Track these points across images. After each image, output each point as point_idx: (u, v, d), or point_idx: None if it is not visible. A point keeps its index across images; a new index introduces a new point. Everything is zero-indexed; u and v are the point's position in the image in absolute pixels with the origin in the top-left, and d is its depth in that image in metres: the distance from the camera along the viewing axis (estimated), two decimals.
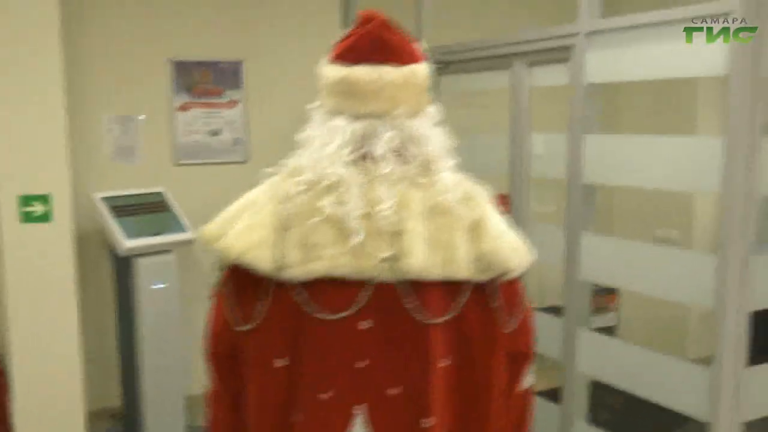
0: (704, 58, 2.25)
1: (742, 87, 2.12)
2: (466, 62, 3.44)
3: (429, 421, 1.37)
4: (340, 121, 1.42)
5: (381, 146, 1.39)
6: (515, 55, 3.06)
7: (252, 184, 1.48)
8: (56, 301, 3.28)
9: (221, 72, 4.28)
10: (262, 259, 1.34)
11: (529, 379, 1.55)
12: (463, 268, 1.35)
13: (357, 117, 1.41)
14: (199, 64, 4.23)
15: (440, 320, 1.36)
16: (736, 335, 2.19)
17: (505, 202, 3.20)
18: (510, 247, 1.40)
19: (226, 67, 4.29)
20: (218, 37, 4.25)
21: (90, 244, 3.77)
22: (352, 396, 1.37)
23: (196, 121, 4.25)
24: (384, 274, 1.33)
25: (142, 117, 4.10)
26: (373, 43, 1.43)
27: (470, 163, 3.40)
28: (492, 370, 1.44)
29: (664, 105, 4.81)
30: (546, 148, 3.04)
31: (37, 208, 3.16)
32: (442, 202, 1.37)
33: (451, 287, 1.36)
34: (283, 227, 1.36)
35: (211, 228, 1.44)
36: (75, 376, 3.37)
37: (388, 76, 1.40)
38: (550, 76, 2.99)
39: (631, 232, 4.95)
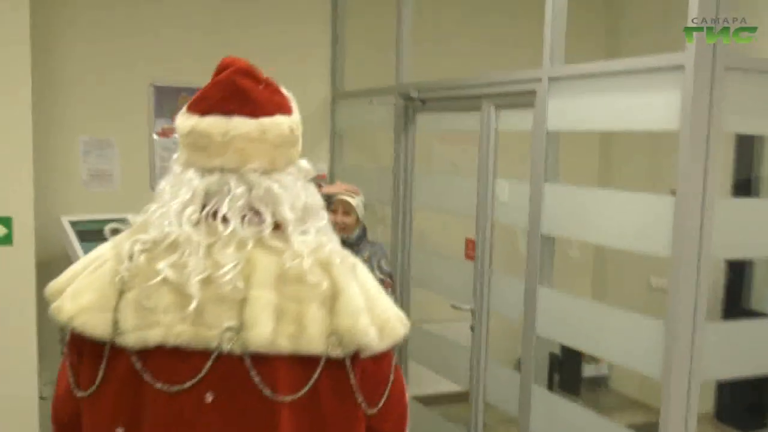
0: (659, 111, 2.14)
1: (694, 142, 2.00)
2: (442, 101, 3.36)
3: None
4: (189, 175, 1.31)
5: (227, 204, 1.27)
6: (485, 96, 2.97)
7: None
8: (16, 324, 3.22)
9: None
10: (92, 324, 1.23)
11: None
12: (315, 342, 1.23)
13: (206, 171, 1.30)
14: (181, 90, 4.12)
15: (290, 398, 1.24)
16: (684, 406, 2.05)
17: (472, 247, 3.09)
18: (368, 323, 1.26)
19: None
20: (201, 62, 4.16)
21: (58, 269, 3.69)
22: None
23: (175, 147, 4.17)
24: (228, 345, 1.21)
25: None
26: (225, 92, 1.32)
27: (443, 204, 3.31)
28: None
29: (659, 158, 4.65)
30: (510, 195, 2.93)
31: None
32: (293, 269, 1.24)
33: (303, 362, 1.24)
34: (121, 289, 1.24)
35: (56, 283, 1.31)
36: (33, 402, 3.32)
37: (238, 129, 1.28)
38: (516, 120, 2.91)
39: (628, 278, 4.78)
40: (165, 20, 4.10)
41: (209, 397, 1.23)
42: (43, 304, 3.32)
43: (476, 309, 3.03)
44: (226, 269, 1.21)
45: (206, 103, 1.31)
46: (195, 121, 1.30)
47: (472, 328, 3.07)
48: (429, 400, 4.00)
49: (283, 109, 1.34)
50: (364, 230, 3.39)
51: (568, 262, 4.48)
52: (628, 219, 2.29)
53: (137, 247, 1.25)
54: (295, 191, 1.32)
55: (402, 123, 3.65)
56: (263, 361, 1.21)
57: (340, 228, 3.18)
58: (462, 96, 3.18)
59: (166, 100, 4.13)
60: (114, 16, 4.00)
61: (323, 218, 1.35)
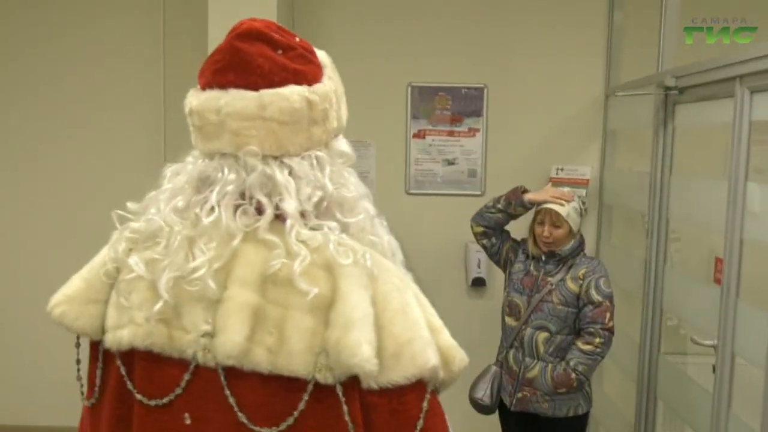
0: None
1: None
2: (698, 87, 2.75)
3: None
4: (189, 160, 1.16)
5: (216, 193, 1.09)
6: (739, 77, 2.33)
7: None
8: None
9: (462, 98, 4.09)
10: (72, 316, 1.12)
11: None
12: (298, 359, 1.00)
13: (205, 155, 1.14)
14: (438, 90, 4.09)
15: (268, 430, 1.02)
16: None
17: (719, 269, 2.49)
18: (363, 340, 0.98)
19: (467, 94, 4.09)
20: (459, 60, 4.03)
21: None
22: None
23: (431, 150, 4.15)
24: (201, 353, 1.04)
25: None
26: (223, 61, 1.11)
27: (691, 213, 2.75)
28: None
29: None
30: (763, 203, 2.26)
31: None
32: (285, 269, 1.03)
33: (286, 384, 1.01)
34: (109, 281, 1.13)
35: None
36: None
37: (231, 105, 1.08)
38: None
39: None
40: (424, 17, 4.01)
41: (186, 418, 1.07)
42: None
43: (719, 346, 2.42)
44: (195, 265, 1.05)
45: (204, 75, 1.14)
46: (194, 97, 1.14)
47: (714, 369, 2.46)
48: None
49: (303, 78, 1.11)
50: (580, 243, 2.96)
51: None
52: None
53: (124, 235, 1.14)
54: (313, 179, 1.10)
55: (660, 118, 3.07)
56: (240, 378, 1.02)
57: (547, 243, 2.89)
58: (715, 80, 2.54)
59: (423, 101, 4.12)
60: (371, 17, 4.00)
61: (359, 213, 1.15)
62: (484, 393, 2.98)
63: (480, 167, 4.10)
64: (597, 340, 2.75)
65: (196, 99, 1.13)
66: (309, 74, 1.12)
